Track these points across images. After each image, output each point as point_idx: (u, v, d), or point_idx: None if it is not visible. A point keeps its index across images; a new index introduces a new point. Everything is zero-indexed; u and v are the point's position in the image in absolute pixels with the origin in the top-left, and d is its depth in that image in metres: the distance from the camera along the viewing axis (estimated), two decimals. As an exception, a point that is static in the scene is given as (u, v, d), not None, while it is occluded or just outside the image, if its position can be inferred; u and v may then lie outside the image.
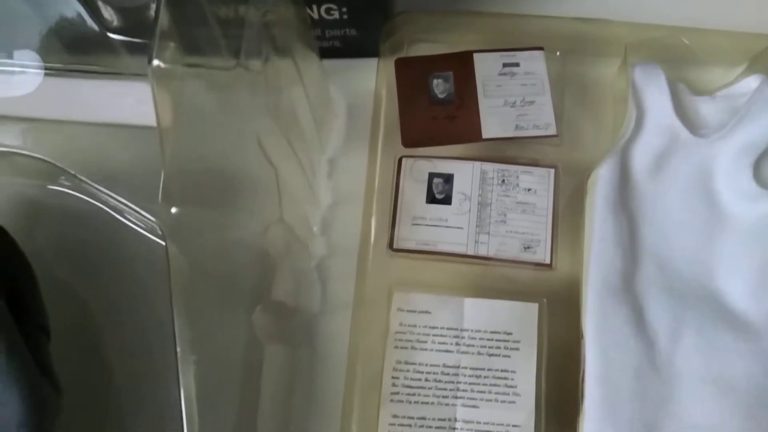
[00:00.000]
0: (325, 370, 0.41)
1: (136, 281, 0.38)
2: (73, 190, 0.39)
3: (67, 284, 0.38)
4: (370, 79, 0.47)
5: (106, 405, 0.39)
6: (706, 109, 0.46)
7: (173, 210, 0.31)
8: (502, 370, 0.39)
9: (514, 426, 0.38)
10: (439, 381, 0.39)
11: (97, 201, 0.38)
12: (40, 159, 0.35)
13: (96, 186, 0.35)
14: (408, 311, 0.40)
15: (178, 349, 0.32)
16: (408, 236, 0.42)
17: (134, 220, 0.38)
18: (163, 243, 0.34)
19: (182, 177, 0.31)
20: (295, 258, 0.43)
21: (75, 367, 0.36)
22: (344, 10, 0.43)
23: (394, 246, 0.42)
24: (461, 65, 0.44)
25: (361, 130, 0.46)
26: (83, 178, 0.35)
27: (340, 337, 0.42)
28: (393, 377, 0.39)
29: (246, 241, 0.38)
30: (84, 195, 0.38)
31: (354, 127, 0.47)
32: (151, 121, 0.29)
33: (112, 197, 0.35)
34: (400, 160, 0.43)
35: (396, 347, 0.40)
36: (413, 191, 0.42)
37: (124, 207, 0.36)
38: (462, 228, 0.41)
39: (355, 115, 0.47)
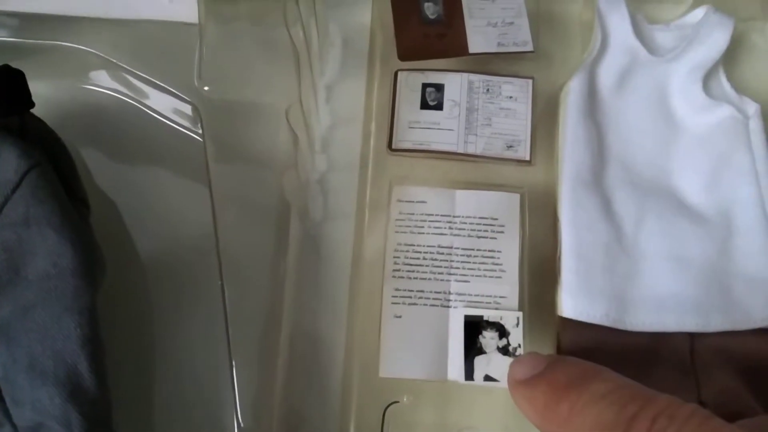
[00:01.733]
0: (330, 271, 0.46)
1: (172, 177, 0.41)
2: (109, 89, 0.42)
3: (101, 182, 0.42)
4: (363, 11, 0.52)
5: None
6: (662, 36, 0.52)
7: (206, 88, 0.35)
8: (489, 250, 0.44)
9: (501, 297, 0.43)
10: (435, 260, 0.44)
11: (134, 100, 0.41)
12: (80, 49, 0.38)
13: (135, 71, 0.38)
14: (406, 201, 0.45)
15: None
16: (405, 138, 0.47)
17: (169, 116, 0.41)
18: (200, 138, 0.38)
19: (215, 66, 0.35)
20: (302, 174, 0.48)
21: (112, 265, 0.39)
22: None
23: (393, 146, 0.46)
24: (449, -10, 0.49)
25: (356, 59, 0.51)
26: (123, 65, 0.38)
27: (342, 242, 0.46)
28: (394, 257, 0.44)
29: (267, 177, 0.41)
30: (121, 94, 0.41)
31: (349, 55, 0.51)
32: (184, 17, 0.33)
33: (150, 81, 0.38)
34: (396, 74, 0.48)
35: (396, 232, 0.45)
36: (408, 100, 0.47)
37: (160, 89, 0.39)
38: (452, 130, 0.47)
39: (349, 45, 0.52)
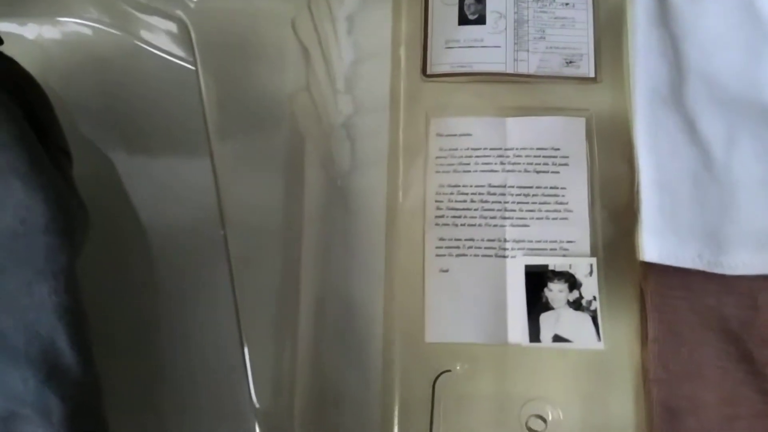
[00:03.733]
0: (362, 226, 0.39)
1: (169, 113, 0.35)
2: (89, 20, 0.36)
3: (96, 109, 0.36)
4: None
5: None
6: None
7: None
8: (551, 187, 0.37)
9: (568, 242, 0.36)
10: (486, 202, 0.37)
11: (117, 29, 0.35)
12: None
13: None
14: (447, 135, 0.38)
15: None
16: (442, 60, 0.39)
17: (159, 44, 0.35)
18: (192, 67, 0.31)
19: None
20: (321, 115, 0.41)
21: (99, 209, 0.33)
22: None
23: (428, 71, 0.39)
24: None
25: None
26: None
27: (374, 192, 0.40)
28: (437, 201, 0.37)
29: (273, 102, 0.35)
30: (102, 24, 0.35)
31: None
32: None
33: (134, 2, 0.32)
34: (427, -14, 0.40)
35: (437, 172, 0.38)
36: (444, 14, 0.40)
37: (145, 11, 0.32)
38: (499, 47, 0.39)
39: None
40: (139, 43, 0.34)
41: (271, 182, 0.32)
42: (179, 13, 0.30)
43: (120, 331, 0.34)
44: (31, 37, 0.36)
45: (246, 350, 0.29)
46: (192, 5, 0.28)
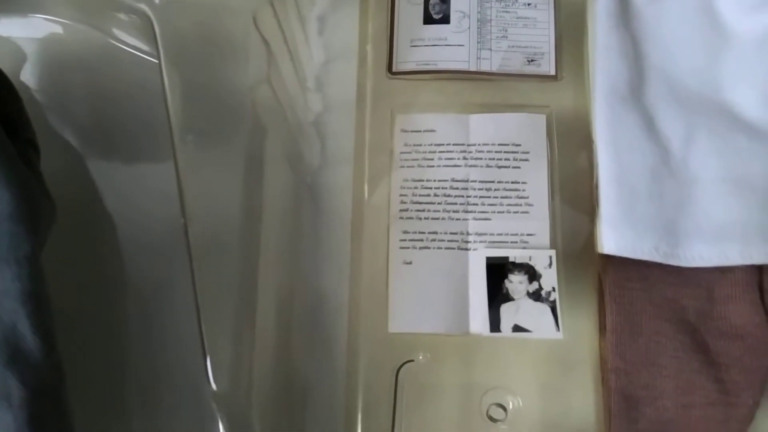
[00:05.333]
0: (330, 221, 0.40)
1: (133, 108, 0.35)
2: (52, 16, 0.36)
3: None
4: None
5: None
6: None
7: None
8: (512, 182, 0.38)
9: (529, 234, 0.37)
10: (449, 196, 0.38)
11: (81, 23, 0.36)
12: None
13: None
14: (412, 131, 0.39)
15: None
16: (407, 58, 0.40)
17: (122, 38, 0.36)
18: (150, 59, 0.32)
19: None
20: (289, 113, 0.42)
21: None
22: None
23: (393, 69, 0.40)
24: None
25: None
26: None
27: (343, 189, 0.40)
28: (401, 195, 0.38)
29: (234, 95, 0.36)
30: (68, 19, 0.36)
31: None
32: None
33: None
34: (393, -13, 0.41)
35: (402, 167, 0.38)
36: (409, 14, 0.41)
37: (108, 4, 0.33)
38: (463, 45, 0.40)
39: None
40: (106, 38, 0.34)
41: (231, 175, 0.33)
42: (144, 7, 0.31)
43: (82, 317, 0.34)
44: (1, 33, 0.37)
45: (204, 336, 0.30)
46: (156, 0, 0.29)
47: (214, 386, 0.29)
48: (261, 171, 0.34)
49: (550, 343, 0.36)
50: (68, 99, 0.36)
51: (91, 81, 0.36)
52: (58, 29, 0.36)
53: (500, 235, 0.37)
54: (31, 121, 0.33)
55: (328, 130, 0.42)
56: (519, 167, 0.38)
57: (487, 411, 0.35)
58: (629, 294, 0.36)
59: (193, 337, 0.31)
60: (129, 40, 0.34)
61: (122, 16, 0.32)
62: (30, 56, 0.37)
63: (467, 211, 0.38)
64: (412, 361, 0.35)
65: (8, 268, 0.28)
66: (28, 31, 0.37)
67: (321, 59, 0.44)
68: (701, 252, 0.36)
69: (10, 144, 0.30)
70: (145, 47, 0.33)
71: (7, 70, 0.33)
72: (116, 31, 0.34)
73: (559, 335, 0.35)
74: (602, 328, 0.36)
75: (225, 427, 0.29)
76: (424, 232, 0.37)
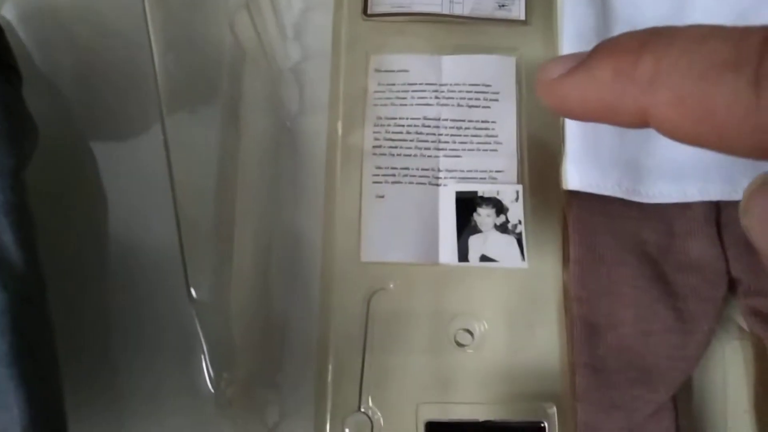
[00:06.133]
0: (307, 164, 0.41)
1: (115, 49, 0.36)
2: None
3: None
4: None
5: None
6: None
7: None
8: (482, 121, 0.39)
9: (497, 171, 0.38)
10: (421, 134, 0.39)
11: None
12: None
13: None
14: (386, 71, 0.40)
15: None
16: (382, 0, 0.41)
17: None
18: None
19: None
20: (269, 60, 0.43)
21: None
22: None
23: (369, 11, 0.41)
24: None
25: None
26: None
27: (319, 131, 0.41)
28: (374, 132, 0.39)
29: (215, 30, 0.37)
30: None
31: None
32: None
33: None
34: (369, -67, 0.42)
35: (375, 105, 0.40)
36: (384, -41, 0.42)
37: None
38: (436, -10, 0.41)
39: None
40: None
41: (212, 115, 0.33)
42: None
43: (61, 265, 0.35)
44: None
45: (185, 261, 0.31)
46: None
47: (194, 294, 0.30)
48: (241, 112, 0.35)
49: (515, 273, 0.37)
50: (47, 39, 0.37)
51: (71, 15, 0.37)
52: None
53: (470, 171, 0.38)
54: (10, 45, 0.34)
55: (307, 78, 0.43)
56: (489, 107, 0.39)
57: (455, 336, 0.36)
58: (592, 227, 0.38)
59: (180, 286, 0.32)
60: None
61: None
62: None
63: (438, 149, 0.39)
64: (384, 289, 0.37)
65: None
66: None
67: (299, 7, 0.45)
68: (662, 189, 0.38)
69: None
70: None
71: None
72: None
73: (525, 265, 0.37)
74: (566, 259, 0.38)
75: (204, 336, 0.30)
76: (396, 168, 0.38)
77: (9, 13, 0.40)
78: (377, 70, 0.40)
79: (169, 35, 0.34)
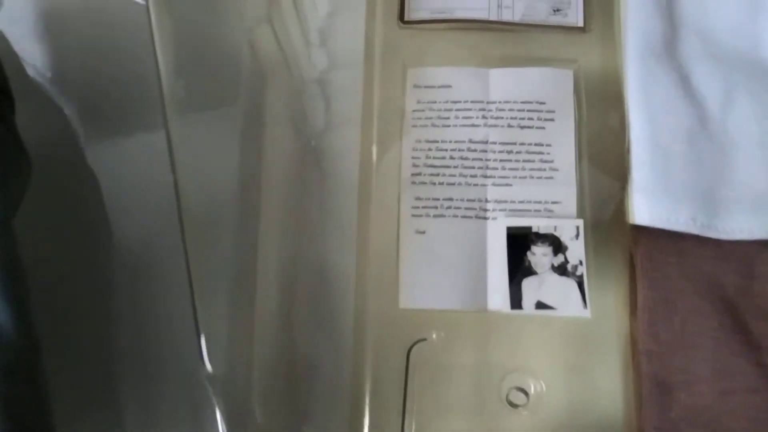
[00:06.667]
0: (336, 187, 0.37)
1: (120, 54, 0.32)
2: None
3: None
4: None
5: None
6: None
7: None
8: (536, 144, 0.34)
9: (554, 202, 0.34)
10: (466, 159, 0.34)
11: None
12: None
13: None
14: (425, 87, 0.35)
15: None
16: (421, 6, 0.36)
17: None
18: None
19: None
20: (292, 69, 0.38)
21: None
22: None
23: (406, 18, 0.36)
24: None
25: None
26: None
27: (350, 150, 0.37)
28: (413, 158, 0.34)
29: (231, 39, 0.32)
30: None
31: None
32: None
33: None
34: (405, -74, 0.37)
35: (414, 126, 0.35)
36: (423, -42, 0.37)
37: None
38: (482, -8, 0.36)
39: None
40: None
41: (228, 133, 0.29)
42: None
43: (71, 296, 0.31)
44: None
45: (198, 312, 0.26)
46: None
47: (209, 367, 0.26)
48: (261, 129, 0.31)
49: (576, 322, 0.32)
50: (52, 50, 0.33)
51: (77, 31, 0.32)
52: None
53: (522, 202, 0.34)
54: (3, 67, 0.30)
55: (334, 89, 0.39)
56: (543, 128, 0.34)
57: (507, 395, 0.32)
58: (663, 268, 0.33)
59: (187, 315, 0.28)
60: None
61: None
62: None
63: (486, 176, 0.34)
64: (425, 339, 0.32)
65: None
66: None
67: (326, 10, 0.40)
68: (741, 224, 0.33)
69: None
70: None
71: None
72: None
73: (587, 313, 0.32)
74: (633, 306, 0.33)
75: (221, 411, 0.26)
76: (438, 199, 0.34)
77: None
78: (416, 86, 0.35)
79: (180, 45, 0.29)
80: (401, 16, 0.36)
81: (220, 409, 0.26)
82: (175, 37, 0.29)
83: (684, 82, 0.35)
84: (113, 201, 0.34)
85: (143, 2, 0.29)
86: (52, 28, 0.34)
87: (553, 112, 0.35)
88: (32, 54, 0.33)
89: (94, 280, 0.33)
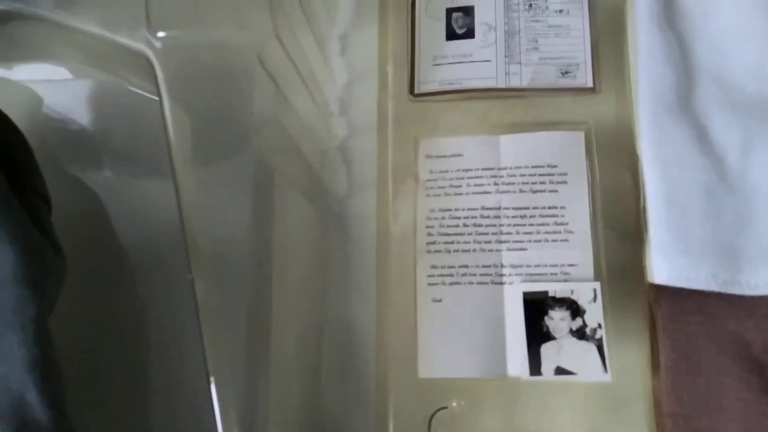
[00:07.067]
0: (357, 252, 0.38)
1: (136, 149, 0.34)
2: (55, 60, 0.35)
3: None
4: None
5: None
6: None
7: (161, 34, 0.28)
8: (549, 207, 0.35)
9: (570, 265, 0.34)
10: (479, 225, 0.35)
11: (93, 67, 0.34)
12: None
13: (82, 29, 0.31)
14: (437, 157, 0.36)
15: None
16: (430, 78, 0.37)
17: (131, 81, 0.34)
18: (156, 97, 0.30)
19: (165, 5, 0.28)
20: (309, 143, 0.40)
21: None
22: None
23: (416, 91, 0.37)
24: None
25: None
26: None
27: (368, 217, 0.38)
28: (427, 227, 0.35)
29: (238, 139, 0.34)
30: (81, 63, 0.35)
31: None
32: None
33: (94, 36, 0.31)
34: (413, 0, 0.39)
35: (428, 196, 0.36)
36: (431, 31, 0.38)
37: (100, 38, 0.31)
38: (489, 61, 0.37)
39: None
40: (109, 79, 0.33)
41: (238, 216, 0.30)
42: (144, 48, 0.29)
43: (83, 364, 0.33)
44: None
45: (213, 384, 0.28)
46: (157, 44, 0.27)
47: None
48: (271, 210, 0.32)
49: (597, 387, 0.32)
50: (71, 140, 0.35)
51: (98, 121, 0.35)
52: (65, 73, 0.35)
53: (538, 266, 0.34)
54: (40, 171, 0.32)
55: (354, 155, 0.40)
56: (556, 191, 0.35)
57: (530, 462, 0.32)
58: (685, 328, 0.33)
59: (202, 386, 0.29)
60: (134, 81, 0.33)
61: (127, 57, 0.31)
62: (38, 99, 0.36)
63: (500, 242, 0.35)
64: (446, 408, 0.33)
65: (13, 334, 0.27)
66: (37, 74, 0.36)
67: (344, 80, 0.42)
68: (766, 277, 0.33)
69: (14, 198, 0.29)
70: (147, 86, 0.32)
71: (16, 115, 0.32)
72: (124, 73, 0.33)
73: (607, 377, 0.32)
74: (655, 368, 0.32)
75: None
76: (453, 266, 0.34)
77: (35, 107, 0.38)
78: (428, 156, 0.36)
79: (188, 127, 0.30)
80: (411, 89, 0.37)
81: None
82: (185, 130, 0.30)
83: (700, 133, 0.35)
84: (130, 273, 0.36)
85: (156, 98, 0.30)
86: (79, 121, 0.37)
87: (565, 174, 0.35)
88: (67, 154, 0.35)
89: (107, 351, 0.35)
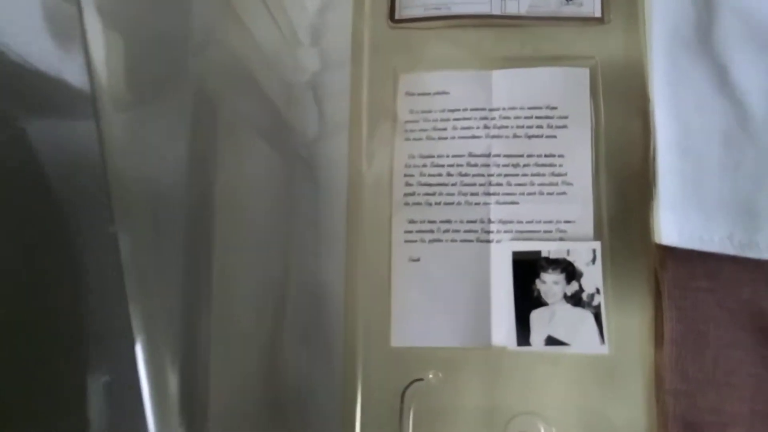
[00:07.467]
0: (328, 202, 0.34)
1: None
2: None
3: None
4: None
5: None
6: None
7: None
8: (546, 155, 0.30)
9: (567, 222, 0.30)
10: (465, 175, 0.31)
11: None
12: None
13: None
14: (419, 95, 0.32)
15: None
16: (413, 2, 0.32)
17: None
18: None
19: None
20: (269, 75, 0.35)
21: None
22: None
23: (396, 16, 0.32)
24: None
25: None
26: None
27: (339, 162, 0.34)
28: (406, 175, 0.31)
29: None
30: None
31: None
32: None
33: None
34: None
35: (407, 140, 0.31)
36: (416, -54, 0.33)
37: None
38: (483, -17, 0.32)
39: None
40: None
41: (171, 149, 0.25)
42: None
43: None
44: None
45: (139, 351, 0.23)
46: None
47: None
48: (216, 151, 0.27)
49: (592, 359, 0.29)
50: None
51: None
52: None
53: (530, 222, 0.30)
54: None
55: (325, 92, 0.35)
56: (555, 136, 0.30)
57: (514, 442, 0.29)
58: (694, 296, 0.29)
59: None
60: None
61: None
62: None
63: (489, 194, 0.30)
64: (421, 380, 0.29)
65: None
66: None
67: (316, 6, 0.36)
68: (789, 239, 0.29)
69: None
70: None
71: None
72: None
73: (604, 349, 0.29)
74: (658, 340, 0.29)
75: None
76: (434, 221, 0.30)
77: None
78: (408, 93, 0.32)
79: (112, 40, 0.25)
80: (391, 15, 0.32)
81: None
82: (107, 43, 0.25)
83: (720, 74, 0.31)
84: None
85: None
86: None
87: (566, 117, 0.31)
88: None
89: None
